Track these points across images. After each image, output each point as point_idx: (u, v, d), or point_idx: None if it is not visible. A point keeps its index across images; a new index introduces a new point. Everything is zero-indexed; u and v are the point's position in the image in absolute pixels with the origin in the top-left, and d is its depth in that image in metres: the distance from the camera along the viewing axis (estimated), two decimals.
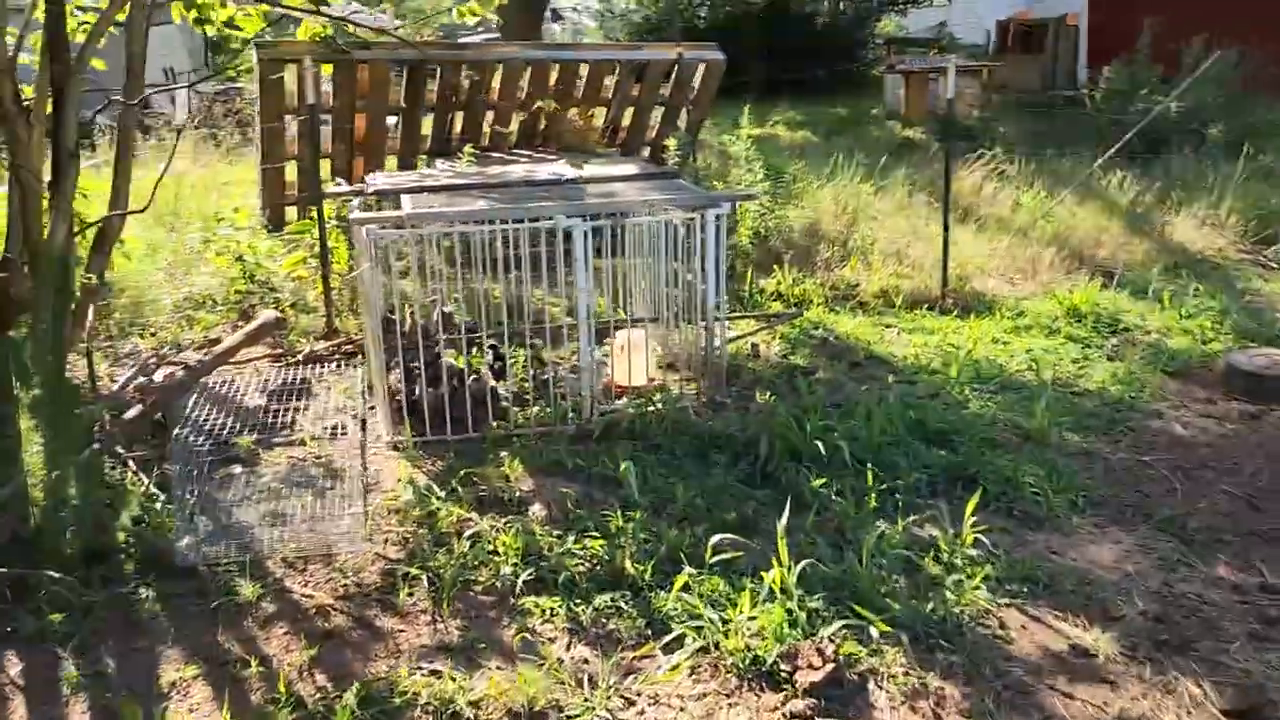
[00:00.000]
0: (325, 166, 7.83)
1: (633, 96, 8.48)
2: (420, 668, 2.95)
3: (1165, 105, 10.30)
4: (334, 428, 4.49)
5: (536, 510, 3.82)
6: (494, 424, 4.49)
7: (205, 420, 3.92)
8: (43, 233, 4.33)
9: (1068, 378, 5.28)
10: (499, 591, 3.33)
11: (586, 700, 2.81)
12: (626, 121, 8.65)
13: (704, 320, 4.76)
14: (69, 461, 3.58)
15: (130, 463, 4.14)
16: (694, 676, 2.91)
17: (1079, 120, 12.54)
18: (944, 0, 19.38)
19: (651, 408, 4.49)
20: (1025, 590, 3.32)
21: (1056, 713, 2.77)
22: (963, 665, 2.94)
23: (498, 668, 2.96)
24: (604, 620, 3.16)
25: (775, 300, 6.57)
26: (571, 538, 3.56)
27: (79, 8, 5.29)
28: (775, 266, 6.90)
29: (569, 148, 8.12)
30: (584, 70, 8.23)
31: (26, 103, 4.66)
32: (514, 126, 8.27)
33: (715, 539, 3.38)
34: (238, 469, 4.16)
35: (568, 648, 3.05)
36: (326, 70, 7.42)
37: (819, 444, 4.09)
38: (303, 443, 4.39)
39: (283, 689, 2.82)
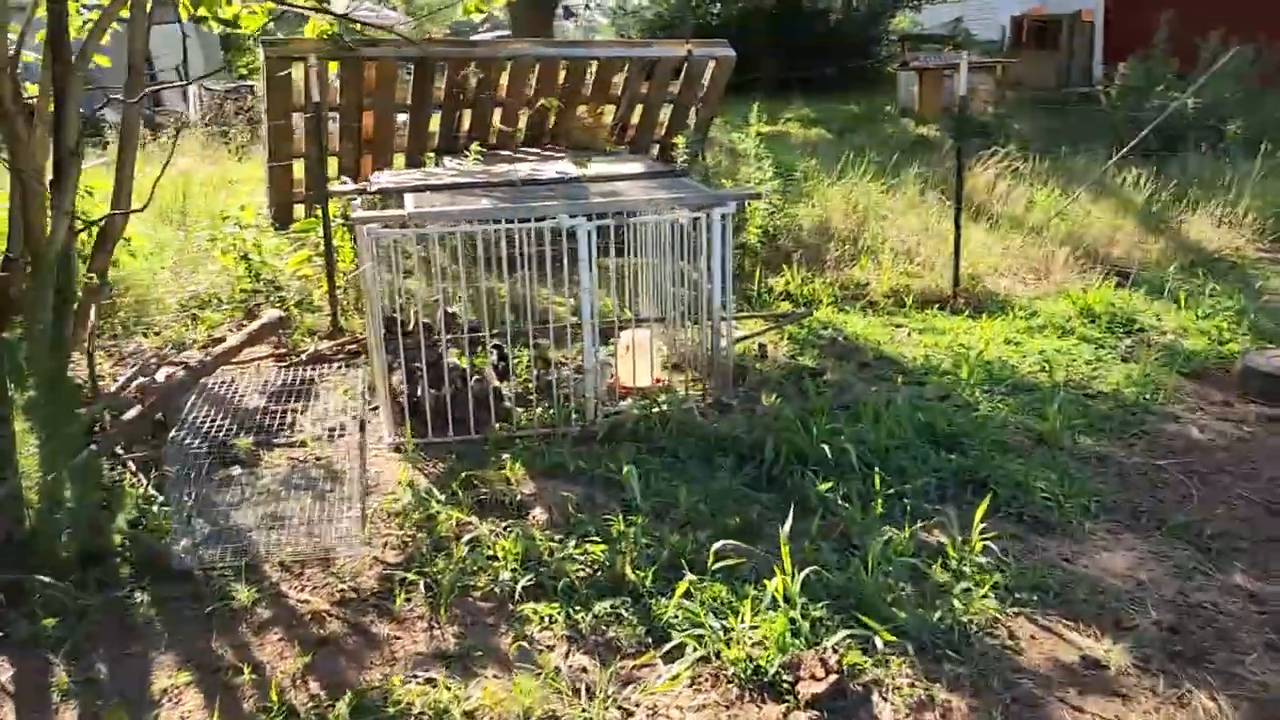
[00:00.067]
0: (334, 164, 7.82)
1: (642, 94, 8.42)
2: (415, 676, 2.90)
3: (1182, 101, 10.16)
4: (335, 429, 4.44)
5: (537, 514, 3.76)
6: (496, 425, 4.43)
7: (203, 422, 3.87)
8: (44, 232, 4.31)
9: (1081, 379, 5.19)
10: (497, 597, 3.27)
11: (584, 711, 2.75)
12: (636, 119, 8.60)
13: (710, 320, 4.69)
14: (65, 463, 3.54)
15: (130, 464, 4.11)
16: (694, 686, 2.85)
17: (1094, 117, 12.41)
18: None
19: (656, 409, 4.43)
20: (1035, 599, 3.24)
21: None
22: (970, 677, 2.87)
23: (494, 676, 2.90)
24: (603, 628, 3.10)
25: (784, 300, 6.50)
26: (572, 543, 3.50)
27: (84, 6, 5.27)
28: (784, 265, 6.82)
29: (578, 145, 8.07)
30: (593, 67, 8.18)
31: (30, 100, 4.65)
32: (522, 124, 8.23)
33: (718, 545, 3.31)
34: (237, 470, 4.13)
35: (566, 656, 2.99)
36: (333, 68, 7.39)
37: (826, 447, 4.02)
38: (303, 444, 4.35)
39: (275, 698, 2.77)
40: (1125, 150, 9.00)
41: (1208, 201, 8.48)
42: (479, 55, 7.82)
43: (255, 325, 5.36)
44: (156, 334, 5.99)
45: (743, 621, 3.01)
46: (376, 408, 4.68)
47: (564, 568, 3.35)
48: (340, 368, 5.36)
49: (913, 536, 3.48)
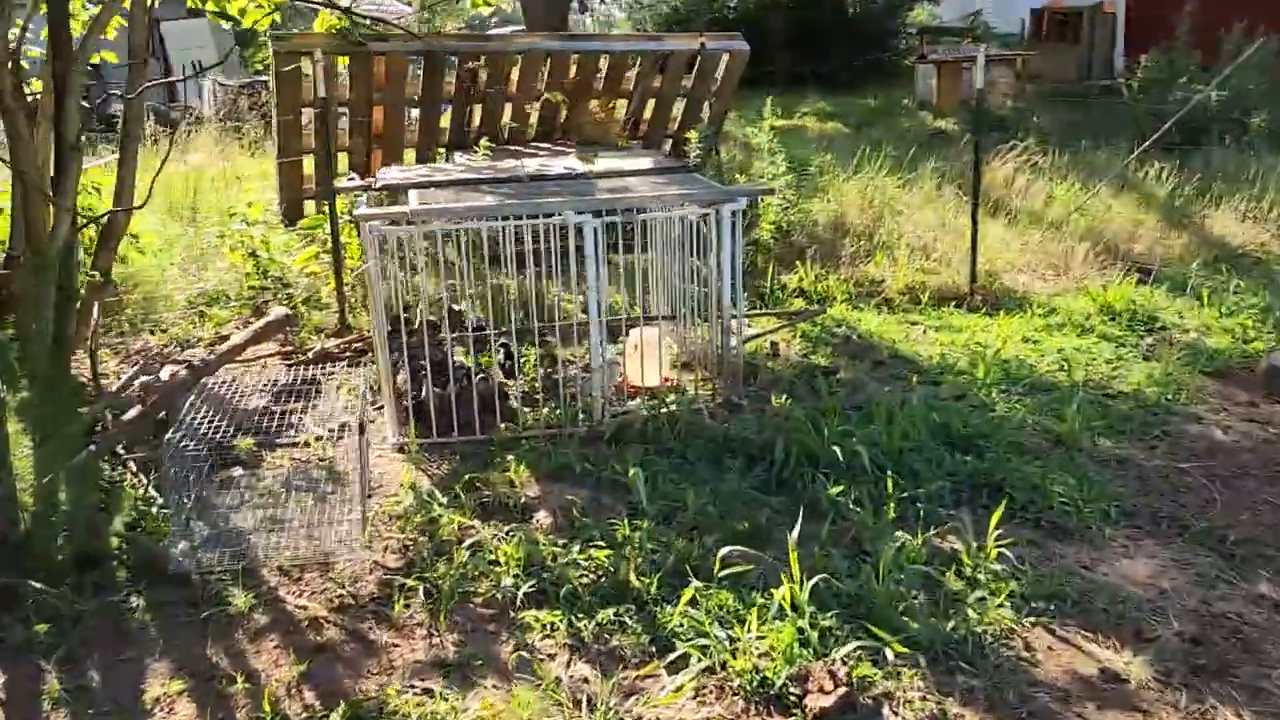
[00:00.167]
0: (344, 160, 7.77)
1: (654, 88, 8.32)
2: (412, 686, 2.82)
3: (1205, 94, 9.97)
4: (339, 429, 4.38)
5: (541, 518, 3.68)
6: (502, 426, 4.36)
7: (203, 422, 3.81)
8: (45, 229, 4.26)
9: (1101, 379, 5.07)
10: (499, 604, 3.20)
11: None
12: (648, 114, 8.50)
13: (720, 318, 4.60)
14: (62, 464, 3.49)
15: (131, 464, 4.06)
16: (698, 699, 2.76)
17: (1115, 110, 12.20)
18: None
19: (664, 409, 4.34)
20: (1052, 608, 3.13)
21: None
22: (984, 690, 2.77)
23: (493, 687, 2.83)
24: (606, 636, 3.02)
25: (797, 297, 6.39)
26: (576, 547, 3.42)
27: (88, 1, 5.22)
28: (797, 262, 6.72)
29: (590, 141, 7.98)
30: (604, 61, 8.08)
31: (34, 96, 4.60)
32: (533, 119, 8.15)
33: (724, 551, 3.23)
34: (238, 471, 4.07)
35: (567, 666, 2.91)
36: (343, 63, 7.33)
37: (837, 449, 3.92)
38: (306, 444, 4.29)
39: (268, 708, 2.71)
40: (1147, 144, 8.83)
41: (1231, 196, 8.32)
42: (489, 50, 7.75)
43: (261, 323, 5.32)
44: (164, 331, 5.95)
45: (749, 631, 2.93)
46: (382, 407, 4.62)
47: (567, 573, 3.27)
48: (347, 366, 5.31)
49: (926, 542, 3.38)
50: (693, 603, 3.08)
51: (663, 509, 3.68)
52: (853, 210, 7.68)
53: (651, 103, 8.42)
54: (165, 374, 4.69)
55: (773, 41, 14.94)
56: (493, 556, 3.40)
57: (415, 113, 7.92)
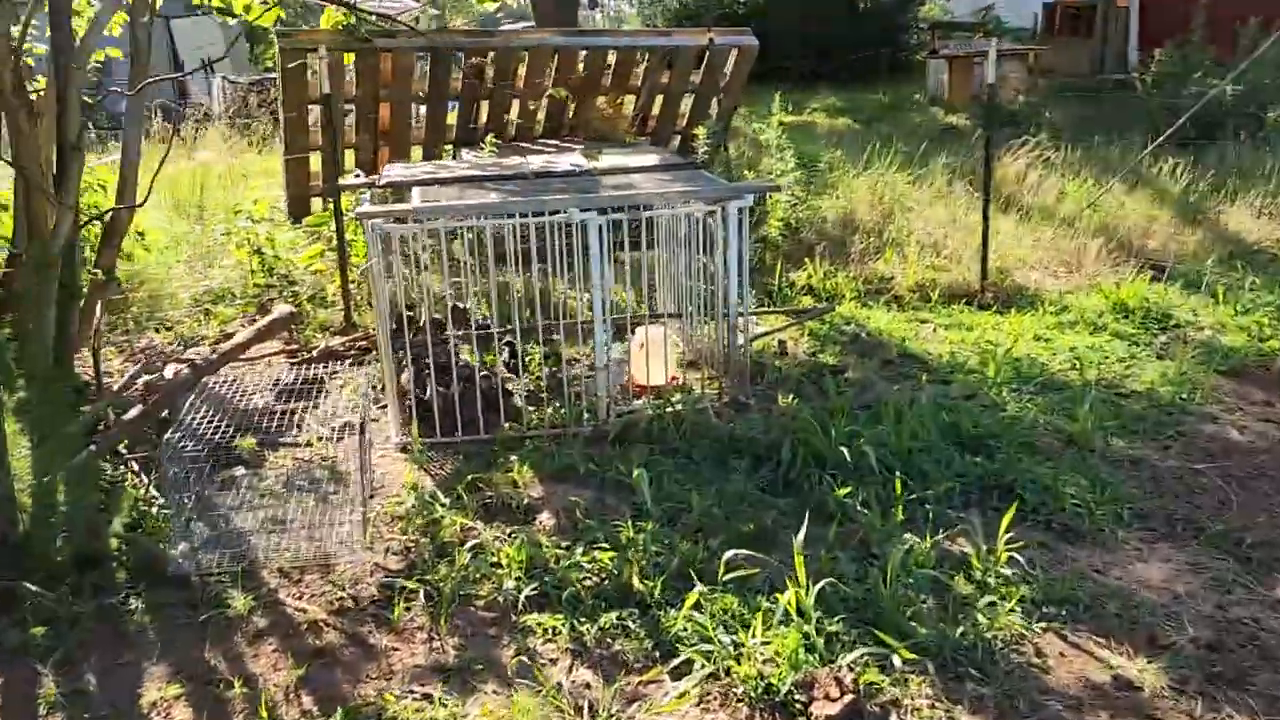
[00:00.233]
0: (352, 157, 7.74)
1: (662, 84, 8.26)
2: (411, 691, 2.78)
3: (1220, 89, 9.85)
4: (342, 428, 4.34)
5: (544, 519, 3.63)
6: (506, 425, 4.31)
7: (203, 422, 3.78)
8: (47, 226, 4.23)
9: (1114, 378, 4.99)
10: (500, 607, 3.15)
11: None
12: (656, 110, 8.44)
13: (727, 316, 4.55)
14: (61, 464, 3.46)
15: (133, 464, 4.03)
16: (702, 705, 2.72)
17: (1129, 105, 12.08)
18: None
19: (670, 409, 4.29)
20: (1064, 613, 3.07)
21: None
22: (994, 697, 2.71)
23: (493, 692, 2.78)
24: (609, 641, 2.97)
25: (806, 294, 6.32)
26: (579, 549, 3.37)
27: None
28: (806, 259, 6.65)
29: (598, 137, 7.93)
30: (612, 57, 8.03)
31: (38, 91, 4.57)
32: (541, 116, 8.10)
33: (729, 554, 3.17)
34: (240, 471, 4.03)
35: (569, 671, 2.87)
36: (349, 59, 7.30)
37: (845, 449, 3.86)
38: (309, 444, 4.26)
39: (264, 714, 2.67)
40: (1161, 139, 8.73)
41: (1247, 192, 8.20)
42: (496, 45, 7.69)
43: (264, 321, 5.29)
44: (168, 329, 5.93)
45: (754, 636, 2.87)
46: (385, 406, 4.58)
47: (570, 576, 3.23)
48: (351, 364, 5.27)
49: (935, 546, 3.32)
50: (697, 607, 3.03)
51: (667, 510, 3.63)
52: (862, 207, 7.61)
53: (660, 99, 8.36)
54: (169, 372, 4.66)
55: (783, 37, 14.84)
56: (495, 558, 3.35)
57: (423, 109, 7.88)
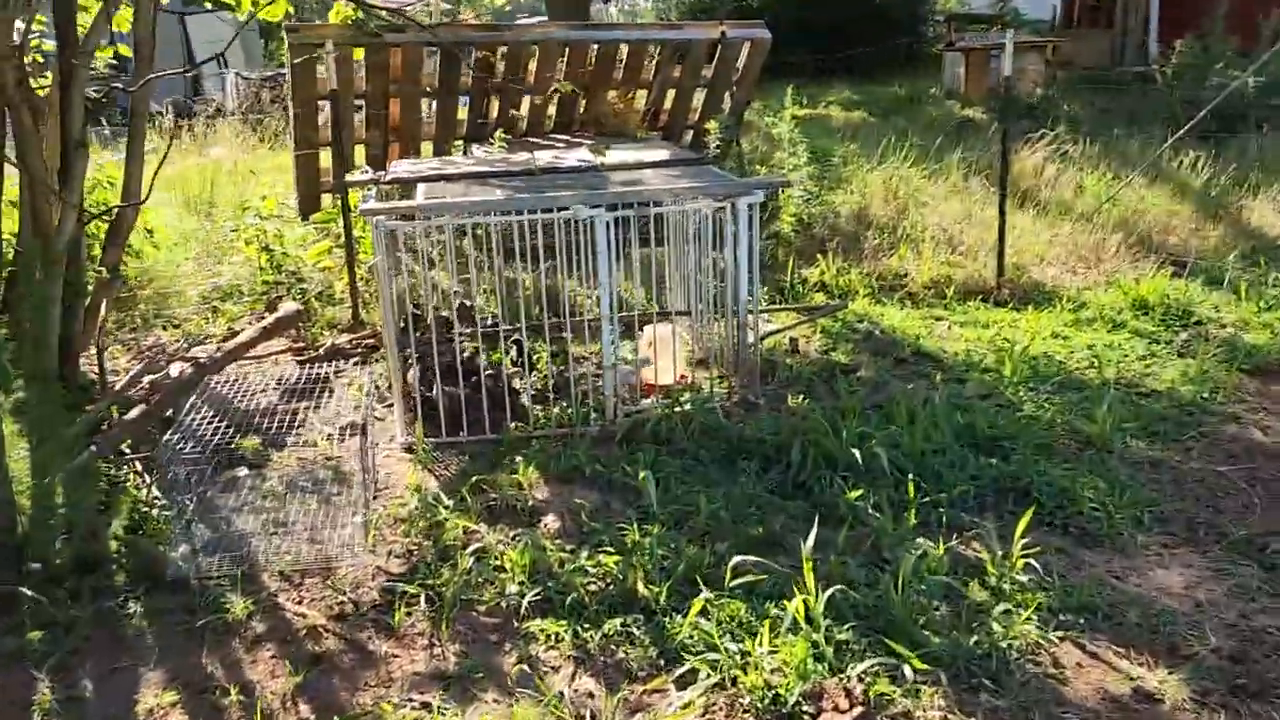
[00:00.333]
0: (362, 153, 7.68)
1: (674, 78, 8.17)
2: (410, 700, 2.72)
3: (1242, 80, 9.68)
4: (347, 428, 4.29)
5: (549, 522, 3.57)
6: (512, 425, 4.25)
7: (205, 422, 3.73)
8: (51, 225, 4.20)
9: (1133, 377, 4.88)
10: (503, 613, 3.09)
11: None
12: (668, 104, 8.35)
13: (736, 314, 4.47)
14: (61, 465, 3.42)
15: (136, 464, 3.99)
16: (707, 716, 2.64)
17: (1149, 97, 11.92)
18: None
19: (678, 409, 4.22)
20: (1082, 622, 2.98)
21: None
22: (1009, 710, 2.63)
23: (494, 701, 2.72)
24: (613, 648, 2.90)
25: (818, 291, 6.23)
26: (584, 553, 3.30)
27: None
28: (819, 255, 6.56)
29: (609, 132, 7.85)
30: (623, 51, 7.94)
31: (44, 87, 4.53)
32: (551, 110, 8.02)
33: (736, 559, 3.10)
34: (243, 472, 3.99)
35: (572, 679, 2.80)
36: (359, 54, 7.24)
37: (856, 451, 3.78)
38: (313, 444, 4.21)
39: None
40: (1182, 132, 8.57)
41: (1270, 185, 8.06)
42: (506, 40, 7.62)
43: (270, 319, 5.24)
44: (176, 327, 5.90)
45: (761, 645, 2.80)
46: (391, 404, 4.52)
47: (574, 581, 3.16)
48: (358, 363, 5.23)
49: (948, 551, 3.24)
50: (703, 613, 2.96)
51: (674, 513, 3.56)
52: (876, 202, 7.51)
53: (671, 93, 8.27)
54: (173, 371, 4.62)
55: (797, 29, 14.71)
56: (498, 562, 3.29)
57: (434, 105, 7.82)
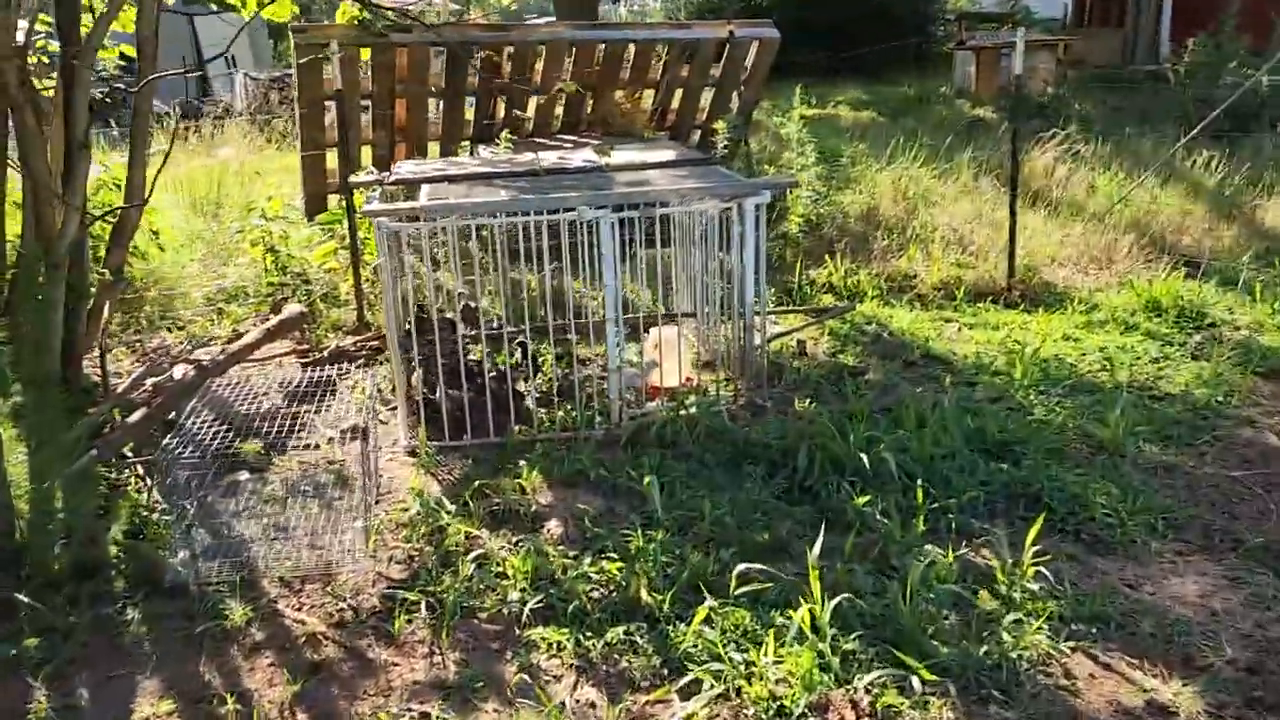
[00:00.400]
0: (369, 154, 7.66)
1: (682, 78, 8.11)
2: (409, 710, 2.68)
3: (1256, 79, 9.58)
4: (350, 431, 4.26)
5: (552, 527, 3.52)
6: (516, 429, 4.21)
7: (206, 426, 3.70)
8: (54, 227, 4.17)
9: (1146, 380, 4.81)
10: (504, 620, 3.05)
11: None
12: (676, 104, 8.30)
13: (743, 316, 4.42)
14: (60, 469, 3.39)
15: (137, 467, 3.96)
16: None
17: (1161, 96, 11.82)
18: None
19: (684, 412, 4.17)
20: (1094, 631, 2.92)
21: None
22: None
23: (494, 710, 2.68)
24: (615, 657, 2.86)
25: (826, 293, 6.18)
26: (587, 559, 3.26)
27: None
28: (827, 256, 6.50)
29: (617, 132, 7.81)
30: (630, 51, 7.89)
31: (49, 87, 4.51)
32: (558, 110, 7.98)
33: (741, 567, 3.05)
34: (245, 476, 3.96)
35: (573, 688, 2.76)
36: (365, 55, 7.21)
37: (864, 456, 3.72)
38: (316, 447, 4.17)
39: None
40: (1195, 131, 8.48)
41: None
42: (513, 40, 7.58)
43: (273, 321, 5.21)
44: (180, 328, 5.88)
45: (766, 654, 2.75)
46: (395, 407, 4.49)
47: (576, 588, 3.11)
48: (363, 365, 5.19)
49: (958, 558, 3.18)
50: (707, 622, 2.91)
51: (678, 519, 3.51)
52: (885, 202, 7.44)
53: (679, 92, 8.21)
54: (177, 373, 4.59)
55: (806, 28, 14.64)
56: (500, 569, 3.25)
57: (440, 105, 7.79)
